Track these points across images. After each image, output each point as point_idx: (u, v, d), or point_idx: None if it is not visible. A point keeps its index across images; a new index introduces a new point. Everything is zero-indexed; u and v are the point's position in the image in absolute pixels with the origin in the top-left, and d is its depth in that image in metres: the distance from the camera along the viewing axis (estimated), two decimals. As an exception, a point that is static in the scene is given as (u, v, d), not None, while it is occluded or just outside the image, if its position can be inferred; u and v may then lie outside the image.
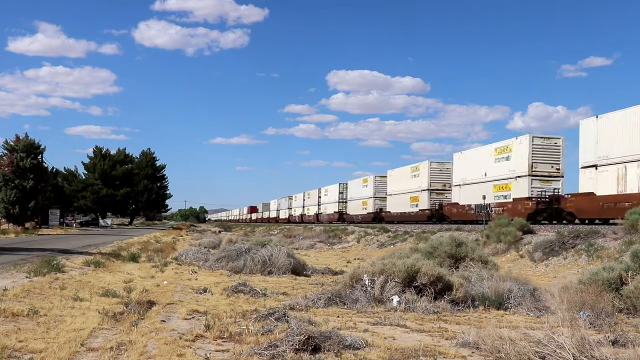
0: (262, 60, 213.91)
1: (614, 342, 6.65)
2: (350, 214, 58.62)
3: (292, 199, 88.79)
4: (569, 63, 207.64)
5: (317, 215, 70.94)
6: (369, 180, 54.38)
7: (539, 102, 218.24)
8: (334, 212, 63.47)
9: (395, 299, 9.35)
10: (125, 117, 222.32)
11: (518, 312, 9.18)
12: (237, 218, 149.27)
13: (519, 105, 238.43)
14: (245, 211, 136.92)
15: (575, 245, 17.09)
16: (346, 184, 62.66)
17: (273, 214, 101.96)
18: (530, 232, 21.03)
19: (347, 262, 21.09)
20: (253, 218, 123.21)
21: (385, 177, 50.79)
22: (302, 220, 77.30)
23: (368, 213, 52.85)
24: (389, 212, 47.74)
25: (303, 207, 79.88)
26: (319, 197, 71.82)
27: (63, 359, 5.60)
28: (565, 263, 16.33)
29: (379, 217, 49.91)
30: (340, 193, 62.64)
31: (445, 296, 9.59)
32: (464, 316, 8.84)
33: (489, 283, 10.02)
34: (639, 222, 16.29)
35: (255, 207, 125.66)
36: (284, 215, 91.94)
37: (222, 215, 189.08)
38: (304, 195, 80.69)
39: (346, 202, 61.30)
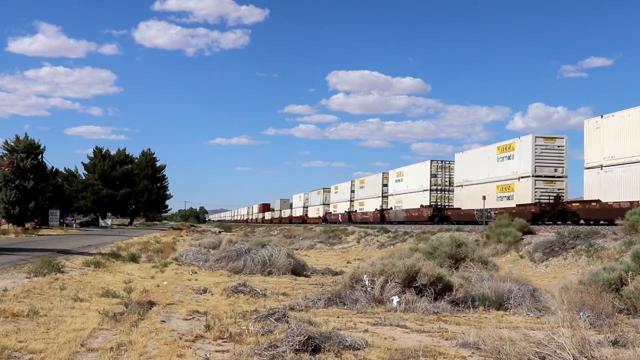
0: (262, 60, 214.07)
1: (614, 343, 6.67)
2: (464, 208, 34.70)
3: (328, 191, 67.17)
4: (570, 63, 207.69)
5: (382, 212, 47.82)
6: (517, 147, 29.48)
7: (539, 103, 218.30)
8: (421, 206, 40.39)
9: (395, 299, 9.35)
10: (125, 118, 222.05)
11: (518, 312, 9.18)
12: (246, 218, 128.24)
13: (519, 105, 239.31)
14: (255, 210, 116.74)
15: (575, 245, 17.09)
16: (444, 161, 40.48)
17: (297, 212, 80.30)
18: (531, 232, 21.05)
19: (347, 263, 21.07)
20: (267, 218, 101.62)
21: (555, 139, 28.66)
22: (351, 219, 54.80)
23: (520, 206, 28.51)
24: (595, 202, 23.39)
25: (351, 201, 57.60)
26: (384, 184, 48.48)
27: (63, 359, 5.60)
28: (566, 263, 16.33)
29: (557, 212, 27.45)
30: (433, 176, 39.96)
31: (446, 297, 9.59)
32: (464, 317, 8.85)
33: (489, 283, 10.02)
34: (639, 223, 16.29)
35: (269, 205, 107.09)
36: (314, 213, 70.81)
37: (226, 215, 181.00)
38: (351, 185, 58.16)
39: (446, 189, 39.58)
